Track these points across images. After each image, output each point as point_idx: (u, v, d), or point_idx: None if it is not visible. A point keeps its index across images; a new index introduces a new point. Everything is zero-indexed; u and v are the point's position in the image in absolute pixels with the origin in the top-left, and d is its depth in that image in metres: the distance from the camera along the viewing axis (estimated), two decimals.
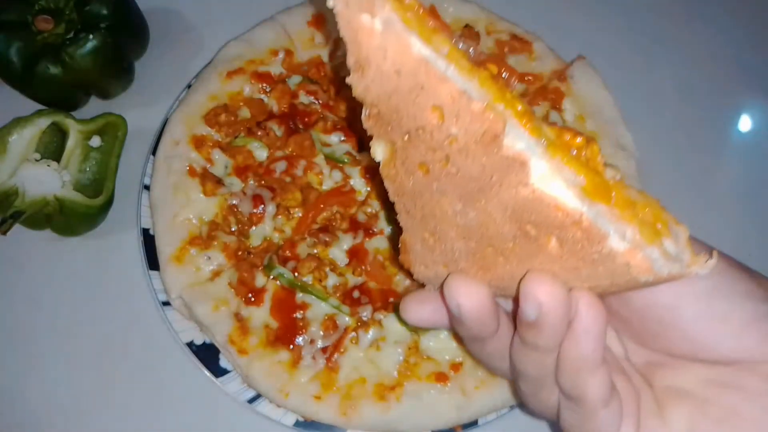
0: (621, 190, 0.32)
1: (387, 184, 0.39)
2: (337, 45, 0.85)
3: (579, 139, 0.33)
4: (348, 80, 0.34)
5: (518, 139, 0.31)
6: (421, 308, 0.43)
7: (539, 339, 0.37)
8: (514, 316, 0.39)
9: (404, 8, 0.31)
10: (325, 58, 0.85)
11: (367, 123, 0.36)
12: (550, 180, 0.31)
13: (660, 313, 0.38)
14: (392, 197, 0.39)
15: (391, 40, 0.31)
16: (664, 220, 0.33)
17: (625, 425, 0.39)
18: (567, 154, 0.32)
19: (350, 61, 0.34)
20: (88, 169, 0.77)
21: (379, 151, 0.37)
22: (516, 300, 0.37)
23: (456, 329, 0.41)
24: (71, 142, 0.76)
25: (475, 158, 0.32)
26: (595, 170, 0.32)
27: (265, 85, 0.82)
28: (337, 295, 0.72)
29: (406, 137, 0.34)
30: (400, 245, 0.42)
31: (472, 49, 0.34)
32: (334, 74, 0.83)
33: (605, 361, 0.37)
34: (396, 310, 0.71)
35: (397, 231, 0.41)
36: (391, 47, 0.31)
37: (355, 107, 0.36)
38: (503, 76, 0.33)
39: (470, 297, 0.37)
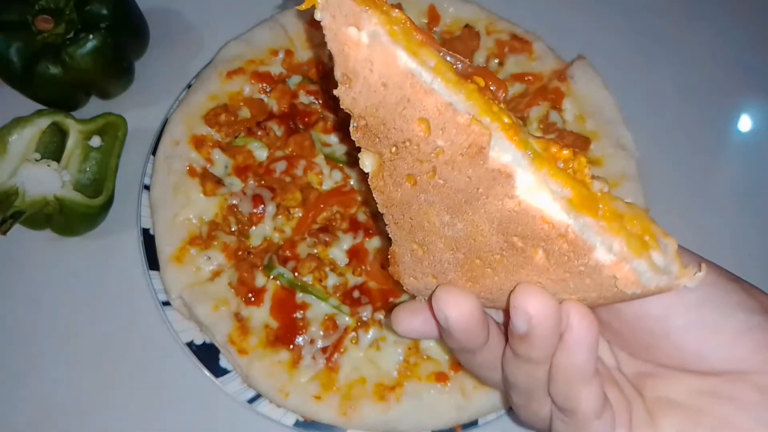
0: (608, 202, 0.32)
1: (376, 195, 0.39)
2: None
3: (566, 152, 0.33)
4: (335, 92, 0.34)
5: (504, 152, 0.31)
6: (411, 320, 0.43)
7: (531, 351, 0.37)
8: (506, 327, 0.39)
9: (391, 22, 0.31)
10: (326, 59, 0.85)
11: (355, 135, 0.36)
12: (536, 192, 0.31)
13: (651, 325, 0.38)
14: (381, 208, 0.39)
15: (378, 52, 0.31)
16: (652, 233, 0.33)
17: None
18: (554, 166, 0.32)
19: (337, 73, 0.34)
20: (88, 169, 0.77)
21: (367, 162, 0.37)
22: (507, 311, 0.37)
23: (445, 341, 0.41)
24: (71, 142, 0.76)
25: (461, 170, 0.32)
26: (583, 182, 0.32)
27: (265, 85, 0.82)
28: (337, 295, 0.72)
29: (393, 149, 0.35)
30: (389, 256, 0.42)
31: (459, 63, 0.34)
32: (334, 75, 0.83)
33: (597, 373, 0.37)
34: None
35: (386, 242, 0.41)
36: (378, 60, 0.32)
37: None
38: (491, 88, 0.33)
39: (459, 309, 0.37)
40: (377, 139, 0.35)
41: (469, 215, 0.34)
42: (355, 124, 0.36)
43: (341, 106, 0.35)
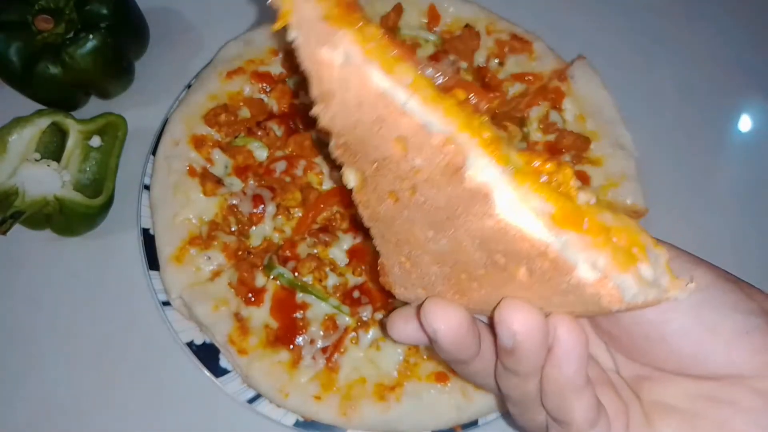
0: (594, 215, 0.32)
1: (361, 210, 0.38)
2: None
3: (549, 165, 0.32)
4: (313, 112, 0.34)
5: (482, 170, 0.31)
6: (405, 326, 0.42)
7: (518, 366, 0.36)
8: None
9: (365, 39, 0.31)
10: None
11: (336, 152, 0.36)
12: (516, 210, 0.31)
13: (647, 329, 0.38)
14: (367, 223, 0.39)
15: (352, 72, 0.31)
16: (641, 244, 0.32)
17: None
18: (536, 180, 0.31)
19: (313, 93, 0.33)
20: (88, 169, 0.77)
21: (350, 178, 0.37)
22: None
23: (437, 352, 0.41)
24: (71, 142, 0.76)
25: (440, 189, 0.32)
26: (567, 195, 0.32)
27: (265, 84, 0.82)
28: (337, 295, 0.72)
29: (374, 166, 0.34)
30: (378, 268, 0.42)
31: (441, 75, 0.33)
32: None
33: (589, 383, 0.37)
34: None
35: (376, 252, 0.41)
36: (353, 80, 0.31)
37: None
38: (472, 101, 0.33)
39: (446, 322, 0.36)
40: (357, 157, 0.35)
41: (452, 232, 0.34)
42: (334, 142, 0.35)
43: (319, 126, 0.34)
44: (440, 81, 0.33)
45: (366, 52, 0.31)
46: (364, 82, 0.31)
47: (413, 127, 0.31)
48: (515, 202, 0.31)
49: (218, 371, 0.71)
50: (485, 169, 0.31)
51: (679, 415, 0.38)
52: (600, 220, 0.32)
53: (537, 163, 0.32)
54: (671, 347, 0.37)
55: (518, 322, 0.34)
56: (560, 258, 0.31)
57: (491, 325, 0.37)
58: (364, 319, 0.71)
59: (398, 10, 0.86)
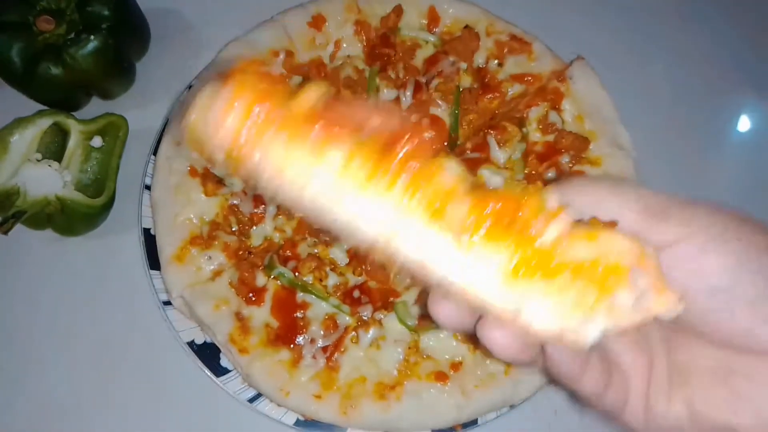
0: (564, 251, 0.30)
1: None
2: (338, 46, 0.86)
3: (507, 204, 0.31)
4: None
5: (420, 249, 0.31)
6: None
7: (513, 362, 0.38)
8: None
9: (292, 125, 0.31)
10: (326, 59, 0.85)
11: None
12: (468, 277, 0.31)
13: None
14: None
15: (276, 180, 0.32)
16: (621, 268, 0.30)
17: (631, 400, 0.39)
18: (495, 234, 0.30)
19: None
20: (89, 169, 0.78)
21: None
22: None
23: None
24: (72, 143, 0.77)
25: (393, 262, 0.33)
26: (529, 239, 0.30)
27: None
28: (338, 294, 0.72)
29: None
30: None
31: (381, 125, 0.32)
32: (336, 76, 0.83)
33: (589, 362, 0.37)
34: (395, 309, 0.71)
35: None
36: (281, 185, 0.32)
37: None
38: (426, 138, 0.32)
39: (447, 314, 0.38)
40: None
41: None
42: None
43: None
44: (382, 129, 0.32)
45: (280, 164, 0.32)
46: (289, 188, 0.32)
47: (344, 227, 0.32)
48: (464, 272, 0.31)
49: (219, 371, 0.71)
50: (424, 247, 0.31)
51: (698, 381, 0.38)
52: (569, 258, 0.30)
53: (495, 204, 0.30)
54: (699, 319, 0.36)
55: (495, 339, 0.35)
56: (515, 318, 0.31)
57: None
58: (365, 318, 0.71)
59: (398, 11, 0.87)
